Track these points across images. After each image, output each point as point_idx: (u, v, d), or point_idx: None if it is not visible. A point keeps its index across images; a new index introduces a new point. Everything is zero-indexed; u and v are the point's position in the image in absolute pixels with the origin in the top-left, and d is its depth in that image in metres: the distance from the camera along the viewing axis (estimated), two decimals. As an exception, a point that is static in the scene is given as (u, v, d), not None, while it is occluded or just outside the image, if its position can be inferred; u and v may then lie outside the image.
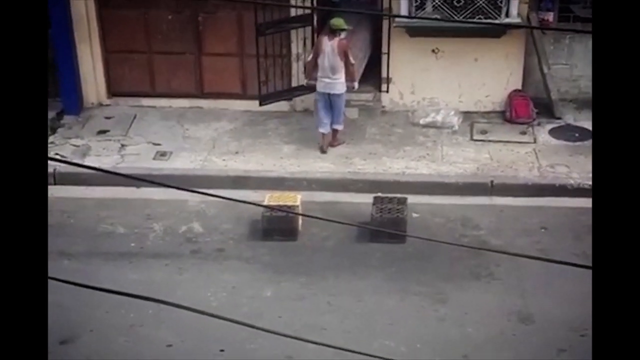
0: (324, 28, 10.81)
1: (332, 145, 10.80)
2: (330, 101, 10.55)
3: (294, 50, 11.61)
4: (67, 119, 11.76)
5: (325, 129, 10.68)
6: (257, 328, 4.57)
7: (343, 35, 10.35)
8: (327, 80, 10.42)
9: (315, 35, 11.49)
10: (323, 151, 10.73)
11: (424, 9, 10.99)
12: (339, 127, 10.77)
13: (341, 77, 10.39)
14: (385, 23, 11.36)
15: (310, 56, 10.68)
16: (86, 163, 10.25)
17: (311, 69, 10.63)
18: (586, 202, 9.50)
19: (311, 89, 10.83)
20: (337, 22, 10.28)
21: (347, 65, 10.41)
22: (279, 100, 11.51)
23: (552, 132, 11.29)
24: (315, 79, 10.54)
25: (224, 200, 8.73)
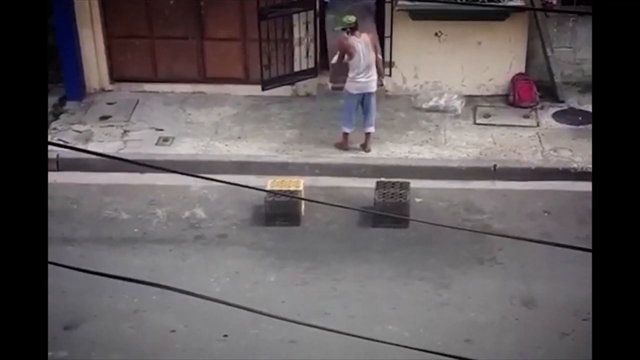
0: (337, 30, 10.23)
1: (366, 149, 10.36)
2: (363, 101, 10.10)
3: (296, 35, 11.55)
4: (69, 104, 11.75)
5: (352, 129, 10.28)
6: (261, 313, 4.58)
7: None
8: (364, 79, 9.94)
9: (318, 20, 11.46)
10: (345, 149, 10.38)
11: (427, -8, 10.93)
12: (373, 130, 10.34)
13: (375, 73, 10.01)
14: (387, 6, 11.31)
15: (335, 58, 10.16)
16: (89, 149, 10.25)
17: (337, 71, 10.14)
18: (589, 186, 9.43)
19: (338, 89, 10.39)
20: (351, 18, 9.92)
21: (377, 60, 10.05)
22: (281, 85, 11.48)
23: (555, 115, 11.26)
24: (343, 81, 10.09)
25: (227, 185, 8.75)
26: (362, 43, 9.87)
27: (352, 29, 9.87)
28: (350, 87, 10.03)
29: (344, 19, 9.96)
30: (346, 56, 9.90)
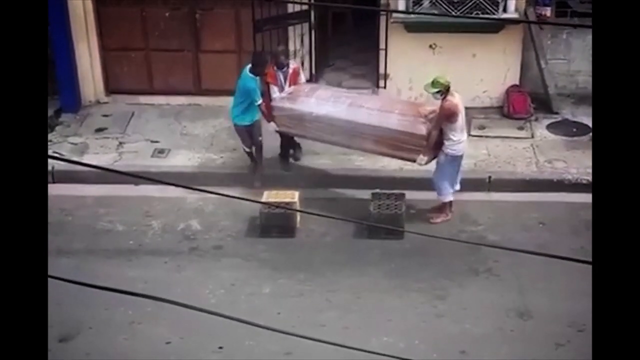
0: (431, 93, 9.09)
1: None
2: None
3: (291, 47, 11.60)
4: (65, 116, 11.76)
5: (452, 195, 9.46)
6: (256, 325, 4.58)
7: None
8: (465, 138, 9.19)
9: (313, 33, 11.50)
10: (450, 219, 9.47)
11: (422, 4, 10.99)
12: (459, 188, 9.56)
13: None
14: (382, 19, 11.36)
15: (432, 126, 9.01)
16: (84, 161, 10.25)
17: (435, 139, 9.08)
18: (584, 197, 9.52)
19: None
20: (447, 77, 9.01)
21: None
22: (276, 97, 11.50)
23: (549, 127, 11.30)
24: (440, 147, 9.12)
25: (222, 197, 8.75)
26: (460, 101, 9.09)
27: (448, 89, 8.97)
28: (456, 150, 9.10)
29: (440, 80, 8.93)
30: (447, 120, 8.95)
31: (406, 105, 9.72)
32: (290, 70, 9.94)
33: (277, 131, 10.02)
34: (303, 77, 10.27)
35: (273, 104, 9.85)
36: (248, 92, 9.73)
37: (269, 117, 9.90)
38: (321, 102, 9.68)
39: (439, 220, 9.44)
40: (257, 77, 9.77)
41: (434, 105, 9.23)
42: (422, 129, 9.06)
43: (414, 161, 9.21)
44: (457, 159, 9.26)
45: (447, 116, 8.94)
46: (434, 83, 8.98)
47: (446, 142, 9.05)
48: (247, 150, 10.20)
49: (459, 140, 9.08)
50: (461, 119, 9.07)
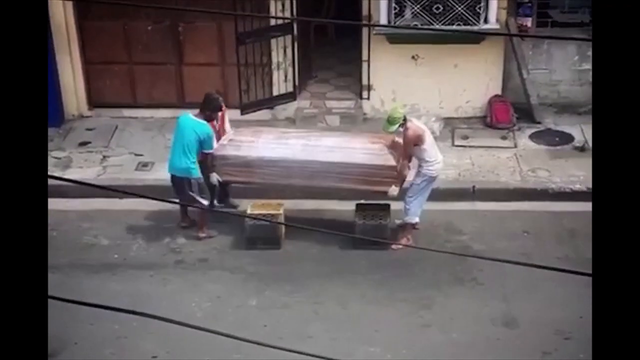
0: (392, 131, 8.83)
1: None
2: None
3: (274, 59, 11.62)
4: (48, 131, 11.70)
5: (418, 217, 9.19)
6: (242, 339, 4.57)
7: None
8: (440, 158, 9.03)
9: (296, 45, 11.53)
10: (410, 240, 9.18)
11: (403, 16, 11.05)
12: None
13: None
14: (365, 30, 11.41)
15: (401, 155, 8.93)
16: (68, 175, 10.19)
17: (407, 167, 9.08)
18: (567, 206, 9.62)
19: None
20: (400, 109, 8.89)
21: None
22: (260, 109, 11.53)
23: (532, 136, 11.37)
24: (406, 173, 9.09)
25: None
26: (420, 123, 9.08)
27: (405, 118, 8.75)
28: (434, 170, 8.93)
29: (396, 115, 8.69)
30: (415, 144, 8.78)
31: (366, 138, 9.46)
32: (219, 113, 9.34)
33: (219, 182, 9.32)
34: (227, 123, 9.64)
35: (214, 152, 9.18)
36: (204, 141, 8.93)
37: (210, 167, 9.16)
38: (270, 145, 9.23)
39: (399, 247, 9.02)
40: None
41: (393, 134, 9.00)
42: (391, 160, 8.87)
43: (385, 193, 8.97)
44: (432, 181, 9.05)
45: (414, 141, 8.77)
46: (390, 121, 8.70)
47: (423, 164, 8.91)
48: (214, 201, 9.28)
49: (435, 159, 8.91)
50: (429, 138, 8.86)
